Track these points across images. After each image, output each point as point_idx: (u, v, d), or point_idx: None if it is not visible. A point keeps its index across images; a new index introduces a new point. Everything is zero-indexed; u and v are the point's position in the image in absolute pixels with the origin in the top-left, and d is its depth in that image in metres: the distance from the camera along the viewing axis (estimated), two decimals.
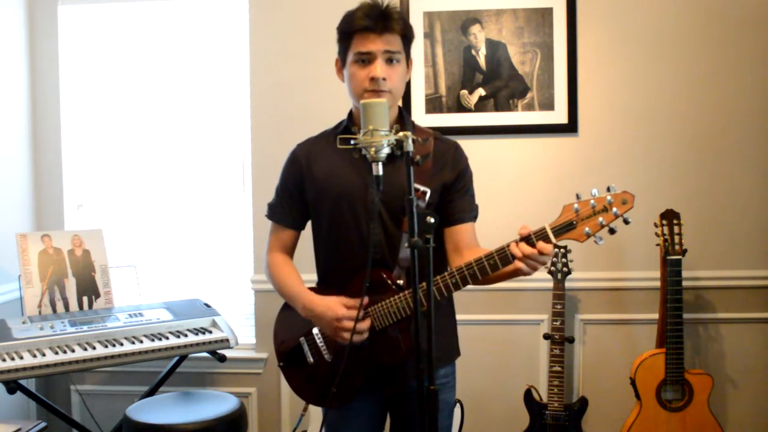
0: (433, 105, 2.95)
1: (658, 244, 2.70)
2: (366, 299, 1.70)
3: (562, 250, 2.74)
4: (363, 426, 1.88)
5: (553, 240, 1.54)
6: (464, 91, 2.94)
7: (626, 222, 1.53)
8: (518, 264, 1.55)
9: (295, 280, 1.88)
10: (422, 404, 1.42)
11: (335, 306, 1.73)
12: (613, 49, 2.91)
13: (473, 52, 2.93)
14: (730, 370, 2.93)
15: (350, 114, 1.87)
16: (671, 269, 2.63)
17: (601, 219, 1.52)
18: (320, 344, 1.82)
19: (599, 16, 2.90)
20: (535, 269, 1.56)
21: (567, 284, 2.75)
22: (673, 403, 2.68)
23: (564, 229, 1.54)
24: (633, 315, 2.93)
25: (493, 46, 2.92)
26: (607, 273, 2.94)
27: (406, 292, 1.69)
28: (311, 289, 1.87)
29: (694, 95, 2.89)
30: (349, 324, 1.68)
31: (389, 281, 1.74)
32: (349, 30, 1.75)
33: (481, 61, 2.93)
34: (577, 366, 2.97)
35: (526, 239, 1.54)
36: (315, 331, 1.84)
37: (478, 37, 2.93)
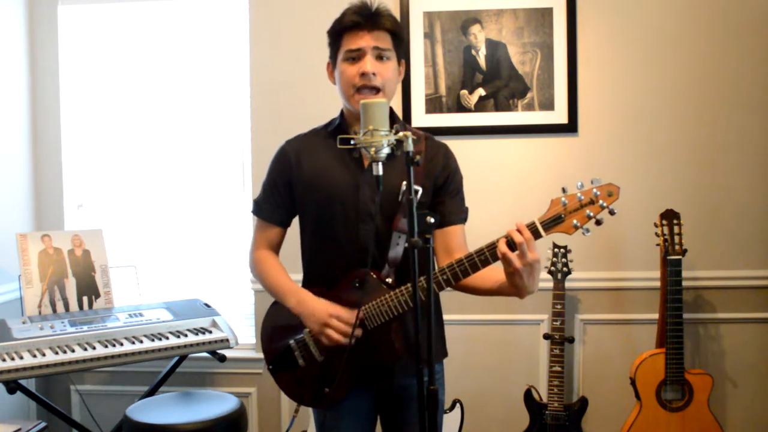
0: (433, 105, 2.95)
1: (658, 244, 2.70)
2: (360, 315, 1.70)
3: (562, 249, 2.74)
4: (355, 423, 1.87)
5: (543, 234, 1.57)
6: (464, 91, 2.94)
7: (612, 213, 1.57)
8: (508, 255, 1.54)
9: (285, 277, 1.87)
10: (421, 402, 1.42)
11: (330, 305, 1.73)
12: (613, 49, 2.91)
13: (473, 52, 2.93)
14: (730, 370, 2.93)
15: (342, 113, 1.86)
16: (671, 269, 2.63)
17: (588, 211, 1.57)
18: (311, 345, 1.80)
19: (599, 16, 2.90)
20: (524, 262, 1.54)
21: (567, 284, 2.75)
22: (673, 403, 2.68)
23: (553, 222, 1.58)
24: (633, 315, 2.93)
25: (493, 46, 2.92)
26: (607, 273, 2.94)
27: (398, 290, 1.68)
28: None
29: (694, 95, 2.89)
30: (337, 324, 1.69)
31: (378, 280, 1.74)
32: (338, 28, 1.76)
33: (481, 61, 2.93)
34: (577, 366, 2.97)
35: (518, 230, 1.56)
36: (305, 331, 1.81)
37: (478, 37, 2.93)
